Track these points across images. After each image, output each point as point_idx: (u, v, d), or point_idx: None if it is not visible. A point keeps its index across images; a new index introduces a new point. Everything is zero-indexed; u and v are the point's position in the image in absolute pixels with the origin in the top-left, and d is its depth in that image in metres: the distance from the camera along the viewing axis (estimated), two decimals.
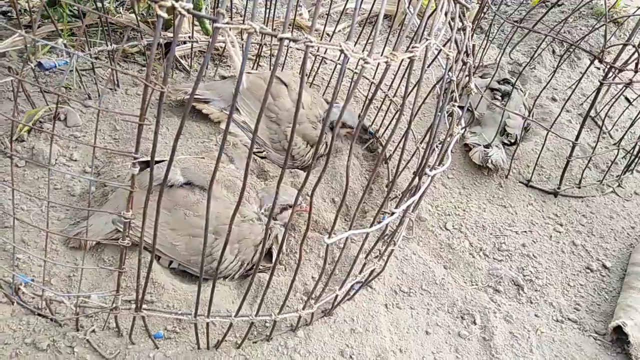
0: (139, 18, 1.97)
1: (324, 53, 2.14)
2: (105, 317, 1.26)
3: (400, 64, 1.85)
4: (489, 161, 1.93)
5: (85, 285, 1.32)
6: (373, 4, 2.12)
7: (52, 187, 1.48)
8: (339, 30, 2.54)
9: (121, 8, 2.21)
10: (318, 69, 2.18)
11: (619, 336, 1.52)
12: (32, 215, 1.45)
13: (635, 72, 1.75)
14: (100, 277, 1.36)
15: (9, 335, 1.19)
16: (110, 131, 1.75)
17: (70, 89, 1.83)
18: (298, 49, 2.17)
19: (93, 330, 1.23)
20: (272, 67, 0.81)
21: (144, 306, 1.09)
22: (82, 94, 1.83)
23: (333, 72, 2.15)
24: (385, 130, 1.96)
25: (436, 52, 1.49)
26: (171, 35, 1.94)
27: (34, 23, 1.69)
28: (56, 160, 1.59)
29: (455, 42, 1.19)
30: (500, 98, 2.13)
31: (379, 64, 0.88)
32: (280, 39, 0.78)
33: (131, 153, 0.85)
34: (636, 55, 1.72)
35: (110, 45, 1.77)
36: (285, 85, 1.83)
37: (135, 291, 1.31)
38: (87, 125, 1.74)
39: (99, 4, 1.84)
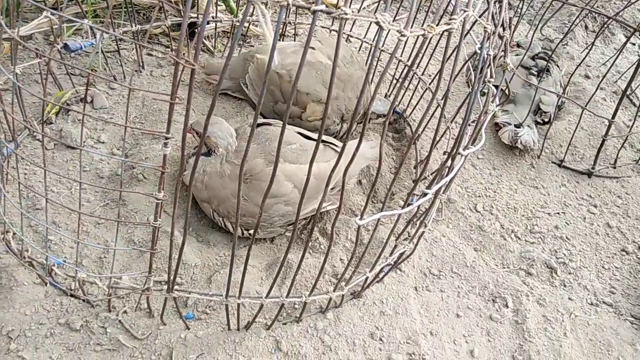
0: None
1: (350, 30, 2.09)
2: (137, 298, 1.27)
3: (430, 40, 1.79)
4: (519, 141, 1.87)
5: (116, 267, 1.33)
6: None
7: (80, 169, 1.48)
8: (364, 8, 2.48)
9: None
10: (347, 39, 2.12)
11: None
12: (62, 197, 1.46)
13: None
14: (131, 259, 1.36)
15: (44, 315, 1.20)
16: (136, 113, 1.74)
17: (96, 71, 1.83)
18: (324, 27, 2.12)
19: (125, 311, 1.24)
20: (307, 39, 0.78)
21: (176, 287, 1.09)
22: (108, 75, 1.83)
23: (359, 51, 2.10)
24: (412, 110, 1.92)
25: (472, 24, 1.44)
26: (194, 15, 1.92)
27: (58, 4, 1.69)
28: (84, 142, 1.59)
29: (492, 15, 1.14)
30: (536, 74, 2.05)
31: (407, 39, 0.84)
32: (314, 12, 0.75)
33: (163, 132, 0.83)
34: None
35: (135, 26, 1.76)
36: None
37: (165, 272, 1.32)
38: (114, 107, 1.74)
39: None
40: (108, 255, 1.35)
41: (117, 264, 1.34)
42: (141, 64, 1.90)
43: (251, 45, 2.17)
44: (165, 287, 1.09)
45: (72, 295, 1.25)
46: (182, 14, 1.94)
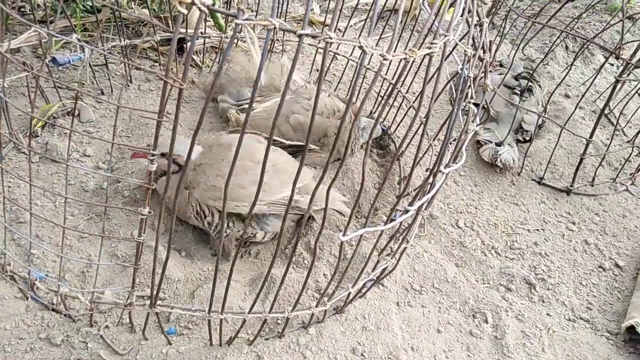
0: (152, 13, 1.97)
1: (337, 48, 2.13)
2: (119, 312, 1.27)
3: (414, 60, 1.84)
4: (498, 160, 1.91)
5: (99, 281, 1.33)
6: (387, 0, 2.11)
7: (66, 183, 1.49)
8: (351, 26, 2.53)
9: (133, 3, 2.21)
10: (330, 64, 2.17)
11: (632, 336, 1.51)
12: (46, 210, 1.46)
13: None
14: (114, 273, 1.36)
15: (24, 330, 1.20)
16: (123, 127, 1.75)
17: (83, 84, 1.84)
18: (311, 45, 2.16)
19: (107, 326, 1.24)
20: (292, 64, 0.80)
21: (158, 302, 1.10)
22: (95, 89, 1.84)
23: (345, 68, 2.14)
24: (397, 127, 1.95)
25: (452, 48, 1.48)
26: (183, 31, 1.94)
27: (47, 18, 1.70)
28: (70, 155, 1.60)
29: (472, 38, 1.18)
30: (519, 94, 2.10)
31: (391, 61, 0.87)
32: (300, 36, 0.78)
33: (149, 148, 0.85)
34: None
35: (124, 40, 1.77)
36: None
37: (148, 287, 1.32)
38: (100, 120, 1.74)
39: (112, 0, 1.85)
40: (91, 270, 1.35)
41: (100, 278, 1.34)
42: (129, 78, 1.91)
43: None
44: (148, 302, 1.09)
45: (53, 310, 1.24)
46: (173, 31, 1.96)
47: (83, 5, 1.99)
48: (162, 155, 1.42)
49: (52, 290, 1.26)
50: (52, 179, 1.54)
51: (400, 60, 0.89)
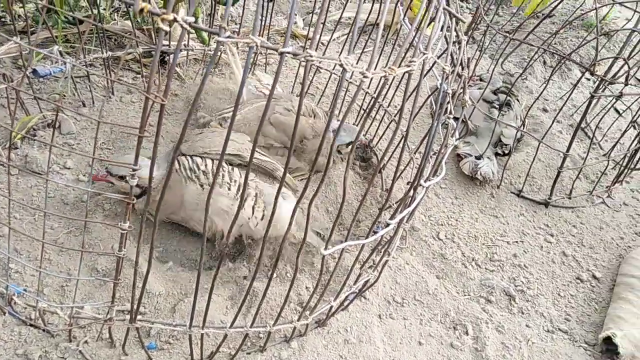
0: (134, 25, 1.97)
1: (319, 62, 2.14)
2: (99, 327, 1.25)
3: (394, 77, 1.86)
4: (478, 172, 1.95)
5: (78, 295, 1.31)
6: (369, 14, 2.14)
7: (46, 196, 1.47)
8: (334, 39, 2.55)
9: (116, 15, 2.21)
10: (313, 77, 2.19)
11: (609, 347, 1.54)
12: (24, 224, 1.44)
13: (625, 84, 1.78)
14: (94, 287, 1.35)
15: (0, 346, 1.17)
16: (104, 139, 1.74)
17: (64, 96, 1.82)
18: (294, 58, 2.17)
19: (86, 341, 1.22)
20: (273, 81, 0.81)
21: (139, 317, 1.09)
22: (77, 101, 1.83)
23: (328, 82, 2.16)
24: (379, 140, 1.97)
25: (431, 65, 1.51)
26: (166, 43, 1.94)
27: (28, 29, 1.69)
28: (50, 168, 1.58)
29: (451, 55, 1.21)
30: (498, 108, 2.15)
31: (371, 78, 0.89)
32: (282, 53, 0.79)
33: (130, 165, 0.85)
34: (626, 68, 1.75)
35: (106, 52, 1.77)
36: None
37: (128, 301, 1.31)
38: (81, 132, 1.73)
39: (94, 11, 1.84)
40: (70, 284, 1.33)
41: (80, 292, 1.33)
42: (111, 89, 1.90)
43: (222, 73, 2.20)
44: (128, 316, 1.08)
45: (31, 325, 1.22)
46: (155, 43, 1.96)
47: (65, 17, 1.98)
48: (121, 178, 1.40)
49: (30, 305, 1.24)
50: (32, 191, 1.52)
51: (381, 77, 0.91)
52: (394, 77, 1.87)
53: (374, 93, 1.93)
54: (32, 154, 1.57)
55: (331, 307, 1.30)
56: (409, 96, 0.99)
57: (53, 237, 1.44)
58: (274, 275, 1.51)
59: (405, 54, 1.10)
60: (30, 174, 1.46)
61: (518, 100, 2.28)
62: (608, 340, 1.53)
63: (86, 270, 1.39)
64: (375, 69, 0.87)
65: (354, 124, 2.09)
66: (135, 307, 1.05)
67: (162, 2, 2.02)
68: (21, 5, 1.71)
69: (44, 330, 1.22)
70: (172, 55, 1.94)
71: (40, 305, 1.18)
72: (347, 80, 2.05)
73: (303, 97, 0.84)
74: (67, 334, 1.21)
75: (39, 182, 1.53)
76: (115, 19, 2.17)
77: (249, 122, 1.71)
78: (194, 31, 2.08)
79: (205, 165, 1.43)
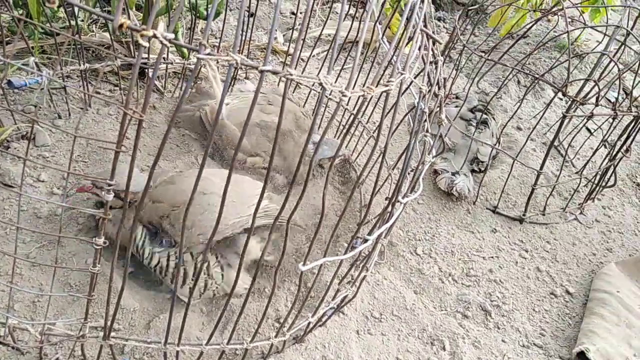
0: (113, 38, 1.96)
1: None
2: (71, 345, 1.22)
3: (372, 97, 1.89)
4: (454, 189, 1.98)
5: (50, 311, 1.28)
6: (348, 32, 2.17)
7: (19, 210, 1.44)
8: (314, 56, 2.58)
9: (94, 26, 2.19)
10: (293, 92, 2.20)
11: None
12: None
13: (596, 105, 1.84)
14: (67, 303, 1.32)
15: None
16: (79, 152, 1.72)
17: (40, 107, 1.80)
18: (274, 74, 2.18)
19: (57, 359, 1.19)
20: (253, 98, 0.82)
21: (112, 333, 1.07)
22: (52, 112, 1.80)
23: (307, 97, 2.18)
24: (358, 156, 1.99)
25: (408, 84, 1.53)
26: (145, 56, 1.93)
27: (4, 39, 1.66)
28: (23, 181, 1.55)
29: (428, 75, 1.23)
30: (475, 126, 2.19)
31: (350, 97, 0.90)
32: (262, 71, 0.80)
33: (106, 180, 0.84)
34: (597, 89, 1.81)
35: (83, 64, 1.75)
36: None
37: (102, 317, 1.28)
38: (56, 145, 1.70)
39: (72, 22, 1.83)
40: (42, 300, 1.30)
41: (52, 308, 1.30)
42: (88, 102, 1.88)
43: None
44: (102, 333, 1.06)
45: (0, 343, 1.19)
46: (134, 56, 1.95)
47: (42, 27, 1.96)
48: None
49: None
50: (4, 204, 1.48)
51: (359, 96, 0.92)
52: (372, 98, 1.91)
53: (353, 109, 1.95)
54: (5, 166, 1.54)
55: (309, 323, 1.29)
56: (387, 113, 1.00)
57: (25, 251, 1.40)
58: (251, 290, 1.51)
59: (384, 72, 1.12)
60: (3, 187, 1.43)
61: (494, 119, 2.33)
62: (582, 355, 1.56)
63: (59, 286, 1.36)
64: (354, 87, 0.88)
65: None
66: (109, 323, 1.03)
67: (142, 16, 2.02)
68: None
69: (13, 348, 1.18)
70: (151, 70, 1.94)
71: (10, 322, 1.14)
72: (326, 97, 2.08)
73: (282, 117, 0.85)
74: (37, 351, 1.18)
75: (12, 195, 1.50)
76: (93, 31, 2.15)
77: (244, 106, 1.82)
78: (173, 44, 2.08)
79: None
